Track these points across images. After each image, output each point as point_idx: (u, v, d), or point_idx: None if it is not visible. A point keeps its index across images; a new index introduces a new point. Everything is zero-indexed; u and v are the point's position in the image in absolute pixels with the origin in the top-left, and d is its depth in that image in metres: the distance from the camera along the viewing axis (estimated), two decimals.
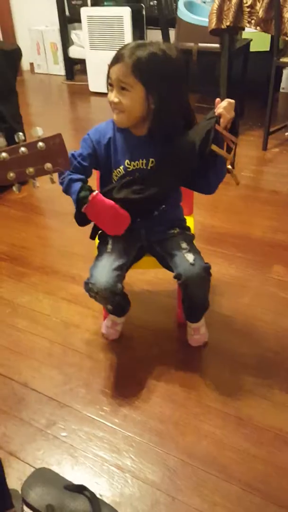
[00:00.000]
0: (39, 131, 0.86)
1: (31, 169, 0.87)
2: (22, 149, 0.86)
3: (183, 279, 1.26)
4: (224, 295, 1.72)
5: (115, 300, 1.30)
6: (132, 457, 1.20)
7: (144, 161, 1.26)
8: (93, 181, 1.46)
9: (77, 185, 1.21)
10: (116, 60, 1.16)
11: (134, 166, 1.26)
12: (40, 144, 0.86)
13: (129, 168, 1.27)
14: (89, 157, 1.27)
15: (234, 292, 1.74)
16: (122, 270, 1.29)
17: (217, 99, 1.21)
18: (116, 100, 1.18)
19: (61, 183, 1.24)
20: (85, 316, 1.65)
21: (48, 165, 0.88)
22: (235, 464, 1.16)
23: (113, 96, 1.19)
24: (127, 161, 1.26)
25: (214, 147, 1.18)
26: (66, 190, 1.24)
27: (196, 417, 1.28)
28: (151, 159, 1.25)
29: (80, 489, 1.09)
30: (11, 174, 0.87)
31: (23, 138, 0.88)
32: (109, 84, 1.20)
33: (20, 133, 0.87)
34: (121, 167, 1.27)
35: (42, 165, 0.87)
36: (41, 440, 1.25)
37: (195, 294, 1.32)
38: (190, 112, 1.26)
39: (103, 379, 1.41)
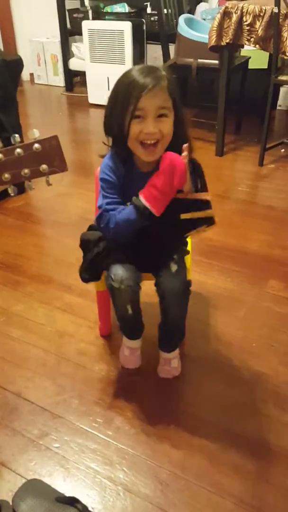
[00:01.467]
0: (36, 133, 0.86)
1: (26, 171, 0.87)
2: (18, 150, 0.86)
3: (162, 286, 1.23)
4: (219, 308, 1.73)
5: (137, 295, 1.24)
6: (124, 469, 1.18)
7: None
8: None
9: (126, 208, 1.15)
10: (142, 88, 1.06)
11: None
12: (36, 145, 0.86)
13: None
14: (116, 191, 1.19)
15: (229, 306, 1.74)
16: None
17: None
18: (156, 130, 1.09)
19: (106, 226, 1.17)
20: (80, 326, 1.64)
21: (44, 167, 0.88)
22: (228, 479, 1.16)
23: (152, 127, 1.09)
24: (134, 198, 1.16)
25: (185, 216, 1.15)
26: (119, 224, 1.15)
27: (190, 430, 1.28)
28: None
29: (72, 502, 1.07)
30: (6, 175, 0.87)
31: (19, 139, 0.88)
32: (137, 117, 1.09)
33: (16, 135, 0.87)
34: (128, 204, 1.19)
35: (37, 167, 0.87)
36: (33, 451, 1.23)
37: (171, 307, 1.27)
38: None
39: (97, 390, 1.40)
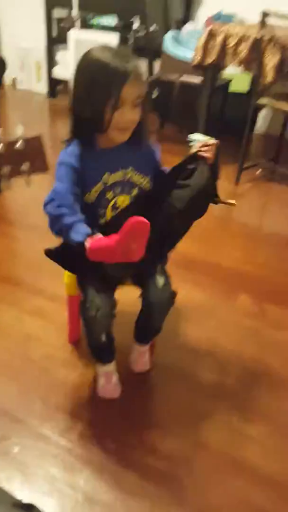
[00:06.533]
0: (20, 130, 0.84)
1: (5, 169, 0.85)
2: None
3: (150, 301, 1.25)
4: (190, 320, 1.73)
5: (111, 322, 1.25)
6: (85, 476, 1.16)
7: (123, 170, 1.21)
8: None
9: (83, 228, 1.07)
10: (126, 76, 1.04)
11: (113, 178, 1.21)
12: (19, 144, 0.84)
13: (107, 183, 1.21)
14: (76, 185, 1.16)
15: (200, 317, 1.74)
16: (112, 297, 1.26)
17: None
18: (135, 118, 1.11)
19: (55, 229, 1.15)
20: (48, 330, 1.61)
21: (25, 167, 0.86)
22: (189, 490, 1.14)
23: (131, 115, 1.10)
24: (105, 175, 1.20)
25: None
26: (66, 231, 1.10)
27: (153, 438, 1.26)
28: (130, 167, 1.21)
29: (29, 508, 1.03)
30: None
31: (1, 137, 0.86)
32: (118, 104, 1.07)
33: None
34: (99, 183, 1.20)
35: (18, 166, 0.86)
36: None
37: (156, 317, 1.32)
38: None
39: (61, 395, 1.38)
